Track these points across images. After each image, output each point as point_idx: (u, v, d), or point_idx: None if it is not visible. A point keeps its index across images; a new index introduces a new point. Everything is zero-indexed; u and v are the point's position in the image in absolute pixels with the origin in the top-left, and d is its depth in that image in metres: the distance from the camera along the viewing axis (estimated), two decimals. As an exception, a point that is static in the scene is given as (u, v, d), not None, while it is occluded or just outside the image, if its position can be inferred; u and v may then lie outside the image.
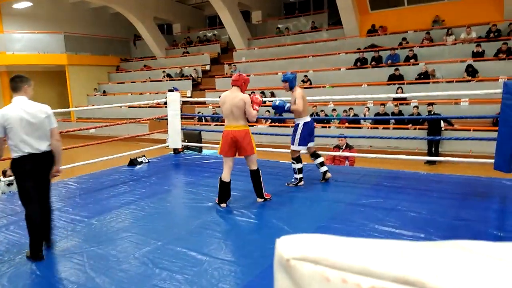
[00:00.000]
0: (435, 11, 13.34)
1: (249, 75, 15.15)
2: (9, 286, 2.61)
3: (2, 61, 16.70)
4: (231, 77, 15.05)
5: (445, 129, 9.46)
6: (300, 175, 4.71)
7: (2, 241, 3.37)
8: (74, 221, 3.78)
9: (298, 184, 4.70)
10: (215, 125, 13.11)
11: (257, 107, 4.06)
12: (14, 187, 5.81)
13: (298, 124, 4.63)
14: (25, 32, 17.67)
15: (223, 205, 4.03)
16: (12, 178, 5.58)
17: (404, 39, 13.14)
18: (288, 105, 4.59)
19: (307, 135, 4.63)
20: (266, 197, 4.17)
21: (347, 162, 6.45)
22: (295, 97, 4.56)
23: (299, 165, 4.71)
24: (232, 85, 4.10)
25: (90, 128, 9.03)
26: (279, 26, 17.87)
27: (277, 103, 4.66)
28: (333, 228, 3.36)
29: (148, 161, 6.52)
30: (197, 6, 21.25)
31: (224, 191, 4.03)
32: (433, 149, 9.32)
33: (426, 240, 3.05)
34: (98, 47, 19.97)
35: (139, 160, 6.44)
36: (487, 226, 3.30)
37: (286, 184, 4.73)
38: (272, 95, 13.46)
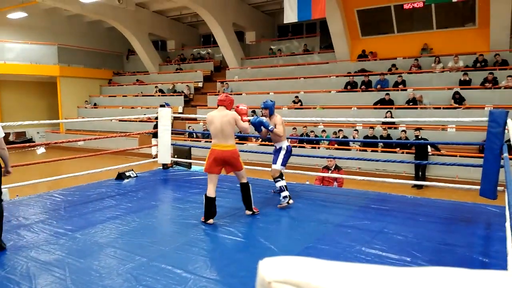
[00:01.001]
0: (423, 40, 13.72)
1: (241, 94, 15.31)
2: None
3: (-7, 70, 16.57)
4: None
5: (432, 154, 9.60)
6: (287, 193, 4.70)
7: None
8: (58, 234, 3.70)
9: (289, 203, 4.66)
10: (205, 141, 13.10)
11: (246, 118, 4.19)
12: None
13: (281, 147, 4.85)
14: (18, 42, 17.64)
15: (210, 221, 4.00)
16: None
17: (393, 65, 13.45)
18: (272, 126, 4.70)
19: (288, 158, 4.86)
20: (254, 211, 4.28)
21: (335, 183, 6.48)
22: (275, 122, 4.77)
23: (284, 182, 4.73)
24: (219, 105, 4.20)
25: (79, 140, 8.95)
26: (272, 47, 18.15)
27: (263, 120, 4.69)
28: (320, 249, 3.35)
29: (136, 176, 6.47)
30: (192, 24, 21.53)
31: (210, 207, 4.02)
32: (420, 173, 9.43)
33: (412, 264, 3.06)
34: (91, 60, 19.98)
35: (127, 174, 6.38)
36: (472, 252, 3.33)
37: (279, 206, 4.64)
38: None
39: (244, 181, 4.24)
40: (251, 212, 4.27)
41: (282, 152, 4.82)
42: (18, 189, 5.44)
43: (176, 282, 2.76)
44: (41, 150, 6.20)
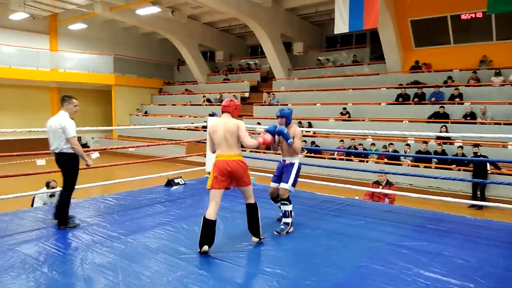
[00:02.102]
0: (482, 51, 13.01)
1: (287, 104, 15.25)
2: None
3: (54, 77, 17.73)
4: (269, 105, 15.15)
5: (492, 173, 8.98)
6: (291, 220, 4.17)
7: (41, 252, 3.43)
8: (111, 237, 3.81)
9: (289, 231, 4.07)
10: (250, 151, 13.14)
11: (260, 140, 3.76)
12: (56, 199, 5.98)
13: (294, 164, 4.24)
14: (77, 52, 18.78)
15: (205, 248, 3.39)
16: (55, 190, 5.77)
17: (449, 77, 12.83)
18: (291, 140, 4.10)
19: (298, 177, 4.27)
20: (261, 238, 3.72)
21: (386, 199, 6.21)
22: (294, 134, 4.18)
23: (291, 206, 4.19)
24: (223, 111, 3.77)
25: (131, 147, 9.27)
26: (319, 58, 18.01)
27: (284, 131, 4.08)
28: (373, 269, 3.18)
29: (185, 183, 6.57)
30: (240, 35, 21.90)
31: (207, 231, 3.43)
32: (479, 192, 8.83)
33: (477, 291, 2.82)
34: (144, 70, 20.89)
35: (176, 181, 6.50)
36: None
37: (276, 232, 4.01)
38: (310, 125, 13.41)
39: (252, 201, 3.67)
40: (258, 240, 3.70)
41: (294, 170, 4.21)
42: (74, 192, 5.69)
43: (225, 294, 2.72)
44: (95, 155, 6.45)
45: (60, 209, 4.09)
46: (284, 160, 4.33)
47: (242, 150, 3.74)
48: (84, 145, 19.50)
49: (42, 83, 17.75)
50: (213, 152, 3.74)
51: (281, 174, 4.29)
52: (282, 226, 4.15)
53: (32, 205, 5.88)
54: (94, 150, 6.55)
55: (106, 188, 7.21)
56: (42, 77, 17.27)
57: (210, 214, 3.47)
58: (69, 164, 4.10)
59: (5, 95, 17.39)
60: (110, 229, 4.05)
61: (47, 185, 5.95)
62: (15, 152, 5.06)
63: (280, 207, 4.30)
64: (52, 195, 6.00)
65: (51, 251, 3.43)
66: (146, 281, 2.88)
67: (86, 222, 4.31)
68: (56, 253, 3.38)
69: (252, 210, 3.69)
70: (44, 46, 17.99)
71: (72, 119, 4.16)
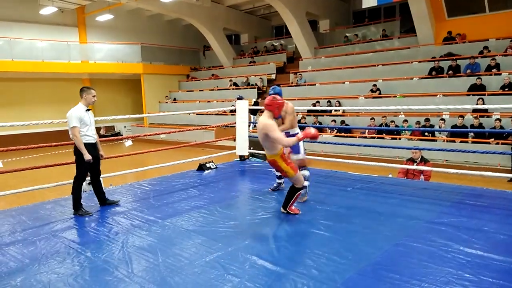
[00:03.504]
0: (521, 17, 12.26)
1: (315, 84, 15.02)
2: (84, 279, 2.75)
3: (85, 69, 18.21)
4: (297, 85, 14.97)
5: (533, 145, 8.57)
6: (308, 182, 4.50)
7: (84, 237, 3.59)
8: (149, 221, 3.93)
9: (305, 199, 4.45)
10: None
11: (300, 135, 3.80)
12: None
13: (297, 133, 4.48)
14: (106, 43, 19.15)
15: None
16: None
17: (485, 47, 12.20)
18: (299, 134, 4.08)
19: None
20: (289, 211, 4.00)
21: (422, 176, 6.06)
22: (285, 110, 4.41)
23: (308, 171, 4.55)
24: (266, 109, 3.83)
25: (161, 133, 9.46)
26: (347, 34, 17.53)
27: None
28: (412, 247, 3.13)
29: (216, 167, 6.65)
30: (265, 16, 21.59)
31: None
32: (519, 166, 8.48)
33: (522, 267, 2.73)
34: (171, 57, 21.07)
35: (208, 165, 6.58)
36: None
37: (302, 200, 4.39)
38: (339, 104, 13.18)
39: (297, 185, 3.93)
40: (285, 211, 4.01)
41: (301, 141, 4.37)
42: (110, 179, 5.88)
43: (263, 274, 2.76)
44: (128, 142, 6.62)
45: (72, 195, 4.26)
46: (287, 133, 4.52)
47: None
48: (118, 134, 20.07)
49: (74, 75, 18.27)
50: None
51: None
52: (275, 184, 4.93)
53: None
54: (127, 138, 6.73)
55: (141, 174, 7.41)
56: (74, 70, 17.77)
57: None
58: (76, 153, 4.22)
59: (41, 89, 18.06)
60: (147, 214, 4.18)
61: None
62: (54, 143, 5.25)
63: (277, 178, 4.96)
64: (90, 183, 6.23)
65: (93, 236, 3.58)
66: (185, 262, 2.96)
67: (125, 207, 4.46)
68: (97, 238, 3.52)
69: (293, 190, 3.97)
70: (74, 39, 18.44)
71: (89, 109, 4.28)
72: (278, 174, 4.89)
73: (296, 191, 3.95)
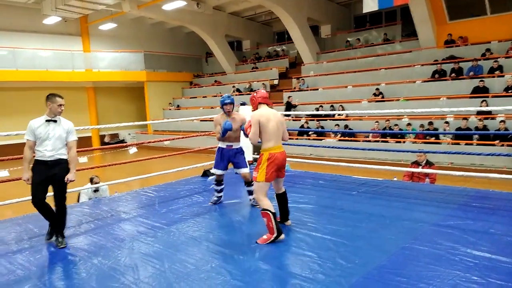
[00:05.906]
0: (522, 19, 12.25)
1: (317, 89, 15.05)
2: (91, 286, 2.75)
3: (89, 77, 18.35)
4: (299, 90, 14.97)
5: (539, 147, 8.53)
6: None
7: (90, 244, 3.60)
8: (155, 227, 3.94)
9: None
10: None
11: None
12: (100, 194, 6.25)
13: (241, 147, 4.66)
14: (109, 51, 19.30)
15: (283, 236, 3.43)
16: (98, 185, 6.01)
17: (487, 49, 12.20)
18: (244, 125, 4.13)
19: None
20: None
21: (427, 179, 6.04)
22: (241, 120, 4.47)
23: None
24: (263, 103, 3.72)
25: (165, 140, 9.47)
26: (348, 39, 17.57)
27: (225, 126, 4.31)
28: (418, 251, 3.11)
29: (220, 173, 6.64)
30: (266, 23, 21.71)
31: (277, 223, 3.42)
32: (525, 168, 8.43)
33: (530, 269, 2.71)
34: (174, 64, 21.21)
35: (212, 171, 6.58)
36: None
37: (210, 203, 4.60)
38: (343, 108, 13.19)
39: (284, 189, 3.80)
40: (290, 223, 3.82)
41: (245, 156, 4.68)
42: (115, 186, 5.92)
43: (268, 278, 2.76)
44: (133, 150, 6.65)
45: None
46: (230, 146, 4.57)
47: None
48: (122, 141, 20.13)
49: (78, 84, 18.41)
50: (256, 142, 3.62)
51: (230, 161, 4.59)
52: (215, 198, 4.72)
53: (78, 200, 6.16)
54: (132, 145, 6.76)
55: (146, 181, 7.44)
56: (78, 78, 17.91)
57: (271, 205, 3.43)
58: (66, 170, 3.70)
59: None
60: (153, 220, 4.19)
61: (91, 180, 6.21)
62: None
63: (216, 190, 4.75)
64: (96, 190, 6.26)
65: (99, 243, 3.59)
66: (191, 268, 2.96)
67: (131, 214, 4.47)
68: (104, 245, 3.53)
69: (286, 196, 3.82)
70: (77, 48, 18.60)
71: (55, 121, 3.58)
72: (219, 188, 4.76)
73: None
